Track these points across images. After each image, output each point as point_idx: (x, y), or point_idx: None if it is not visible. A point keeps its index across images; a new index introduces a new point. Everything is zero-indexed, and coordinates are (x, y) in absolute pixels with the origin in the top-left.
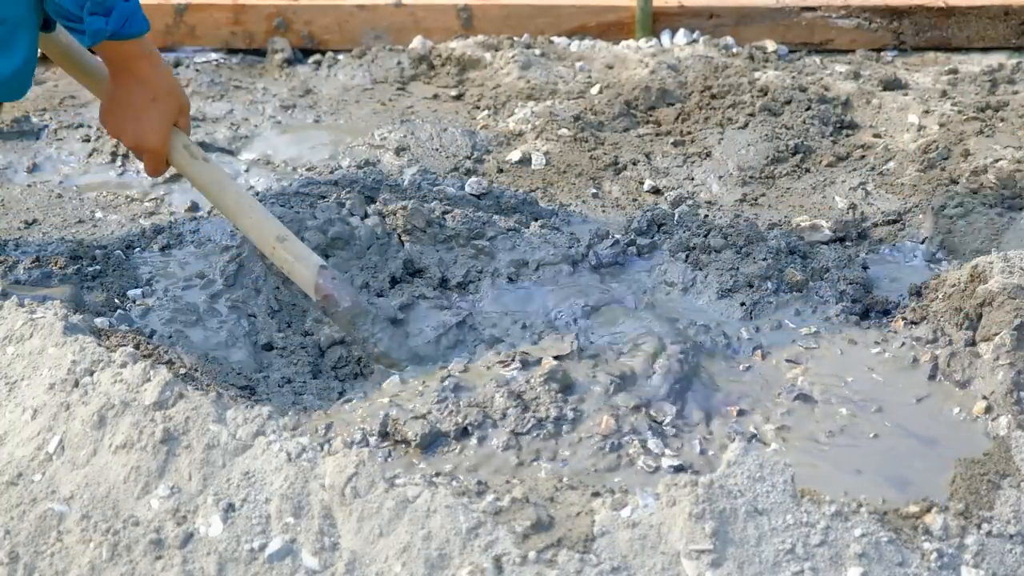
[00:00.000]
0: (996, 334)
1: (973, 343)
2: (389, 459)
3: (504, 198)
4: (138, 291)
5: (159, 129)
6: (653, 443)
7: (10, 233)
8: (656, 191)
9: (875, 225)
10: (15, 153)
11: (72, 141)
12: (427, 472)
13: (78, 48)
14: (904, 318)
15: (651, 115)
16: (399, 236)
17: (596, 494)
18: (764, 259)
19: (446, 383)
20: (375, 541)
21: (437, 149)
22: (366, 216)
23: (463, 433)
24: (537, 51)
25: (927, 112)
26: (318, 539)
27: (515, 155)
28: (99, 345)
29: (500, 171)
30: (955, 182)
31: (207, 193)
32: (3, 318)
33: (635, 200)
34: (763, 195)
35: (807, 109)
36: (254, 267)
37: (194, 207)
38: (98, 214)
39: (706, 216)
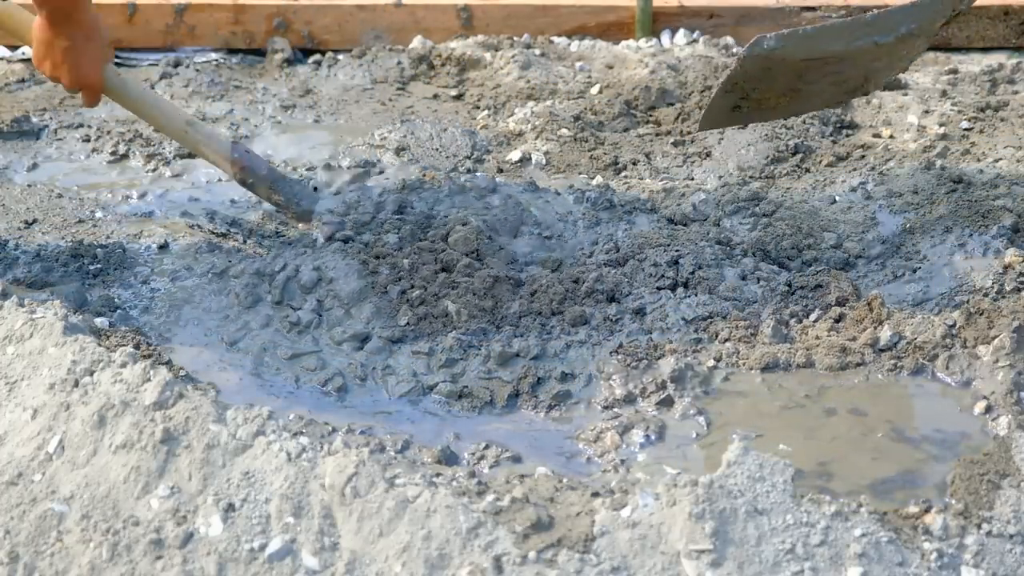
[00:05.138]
0: (996, 336)
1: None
2: None
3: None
4: (138, 290)
5: (97, 65)
6: None
7: (10, 233)
8: None
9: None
10: (15, 153)
11: (72, 141)
12: (427, 472)
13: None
14: None
15: (651, 115)
16: None
17: (596, 494)
18: None
19: None
20: (375, 541)
21: (437, 149)
22: None
23: None
24: (537, 51)
25: (927, 112)
26: (318, 539)
27: (515, 155)
28: (99, 345)
29: (500, 171)
30: (957, 182)
31: (134, 107)
32: (3, 318)
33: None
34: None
35: None
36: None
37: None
38: (98, 214)
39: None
